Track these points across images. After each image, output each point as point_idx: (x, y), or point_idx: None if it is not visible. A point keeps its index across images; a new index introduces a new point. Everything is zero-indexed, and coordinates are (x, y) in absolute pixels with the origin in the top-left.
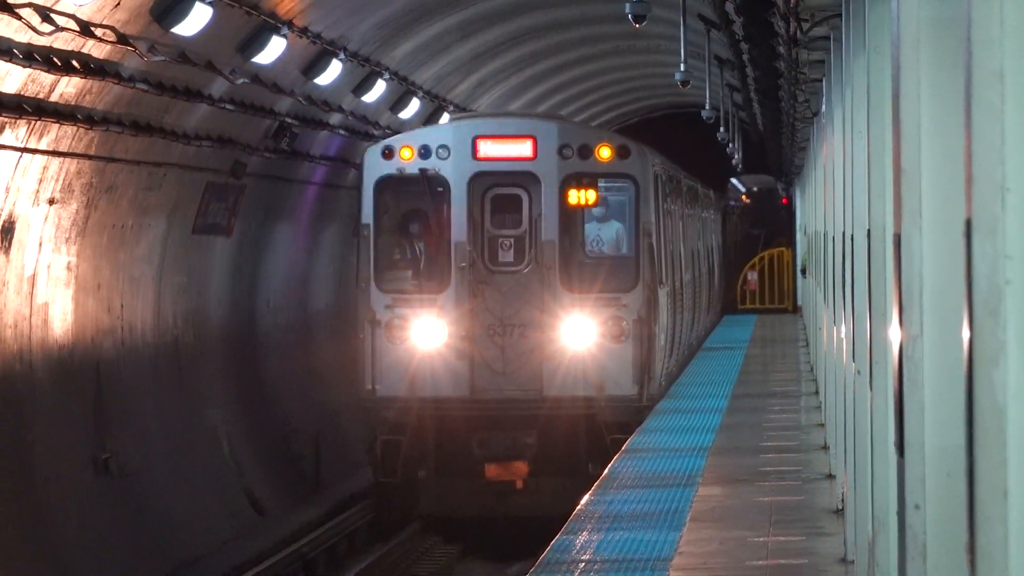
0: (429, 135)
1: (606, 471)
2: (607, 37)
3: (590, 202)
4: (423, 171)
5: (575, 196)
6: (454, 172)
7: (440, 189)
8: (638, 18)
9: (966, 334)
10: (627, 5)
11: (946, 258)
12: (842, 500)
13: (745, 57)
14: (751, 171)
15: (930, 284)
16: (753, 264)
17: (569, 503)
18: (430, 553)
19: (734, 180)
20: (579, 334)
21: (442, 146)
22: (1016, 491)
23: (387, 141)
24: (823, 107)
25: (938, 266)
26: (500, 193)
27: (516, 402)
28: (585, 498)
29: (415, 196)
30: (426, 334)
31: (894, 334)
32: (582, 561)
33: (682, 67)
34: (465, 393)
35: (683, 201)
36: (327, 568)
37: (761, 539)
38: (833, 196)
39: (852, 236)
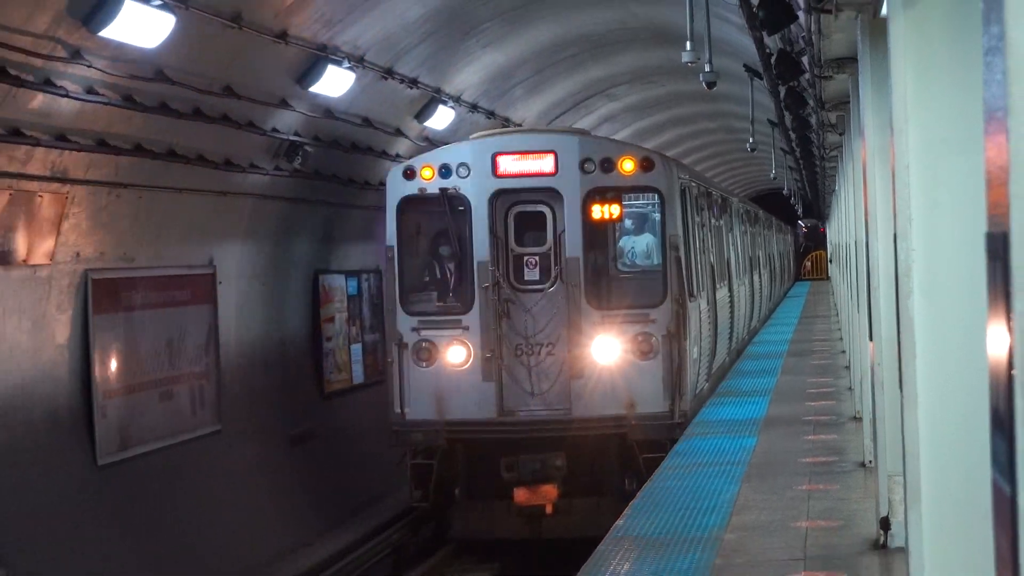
0: (449, 154)
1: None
2: (741, 151)
3: (614, 216)
4: (443, 190)
5: (598, 211)
6: (474, 190)
7: (461, 208)
8: (754, 149)
9: (894, 278)
10: (748, 145)
11: (888, 250)
12: (848, 362)
13: (803, 170)
14: (807, 216)
15: (883, 262)
16: (808, 259)
17: (603, 523)
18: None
19: (799, 221)
20: (607, 352)
21: (462, 164)
22: (921, 351)
23: (408, 161)
24: (837, 187)
25: (885, 254)
26: (523, 210)
27: (544, 423)
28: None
29: (438, 216)
30: (452, 356)
31: (867, 285)
32: (718, 413)
33: (773, 171)
34: (492, 415)
35: (743, 219)
36: None
37: (812, 379)
38: (842, 227)
39: (849, 244)
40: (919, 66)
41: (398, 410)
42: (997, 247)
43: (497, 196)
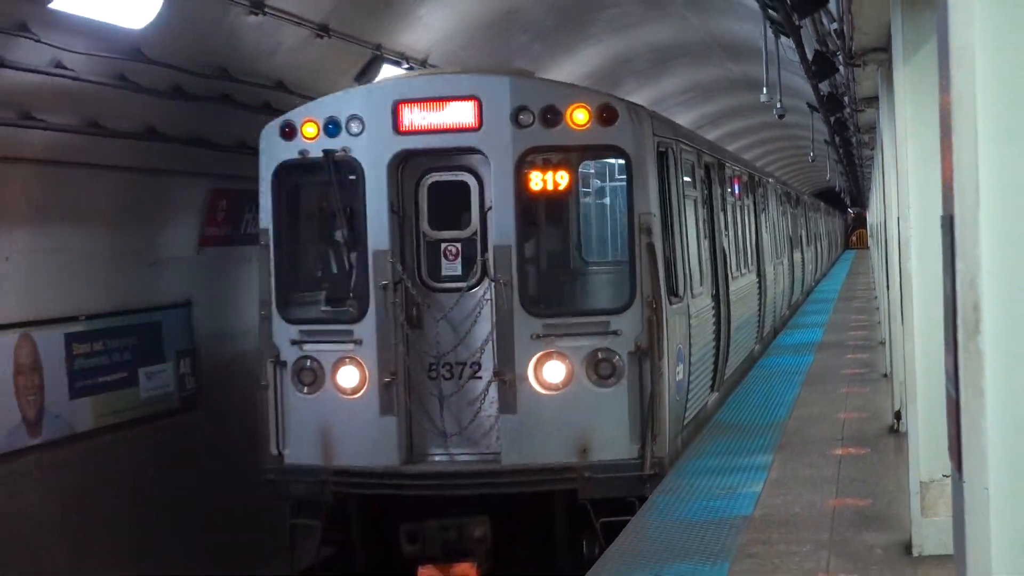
0: (338, 103)
1: None
2: (805, 161)
3: (560, 188)
4: (328, 153)
5: (539, 180)
6: (369, 152)
7: (353, 177)
8: (814, 159)
9: (899, 246)
10: (810, 157)
11: (896, 231)
12: (878, 307)
13: (848, 173)
14: (853, 205)
15: (894, 237)
16: (854, 234)
17: None
18: None
19: (848, 208)
20: (551, 375)
21: (353, 117)
22: (916, 297)
23: (287, 115)
24: (871, 185)
25: (893, 232)
26: (439, 180)
27: (462, 476)
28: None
29: (326, 188)
30: (343, 379)
31: (885, 249)
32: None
33: (828, 175)
34: (392, 462)
35: (782, 200)
36: None
37: (854, 316)
38: (874, 213)
39: (876, 224)
40: (914, 102)
41: (274, 451)
42: (947, 225)
43: (402, 160)
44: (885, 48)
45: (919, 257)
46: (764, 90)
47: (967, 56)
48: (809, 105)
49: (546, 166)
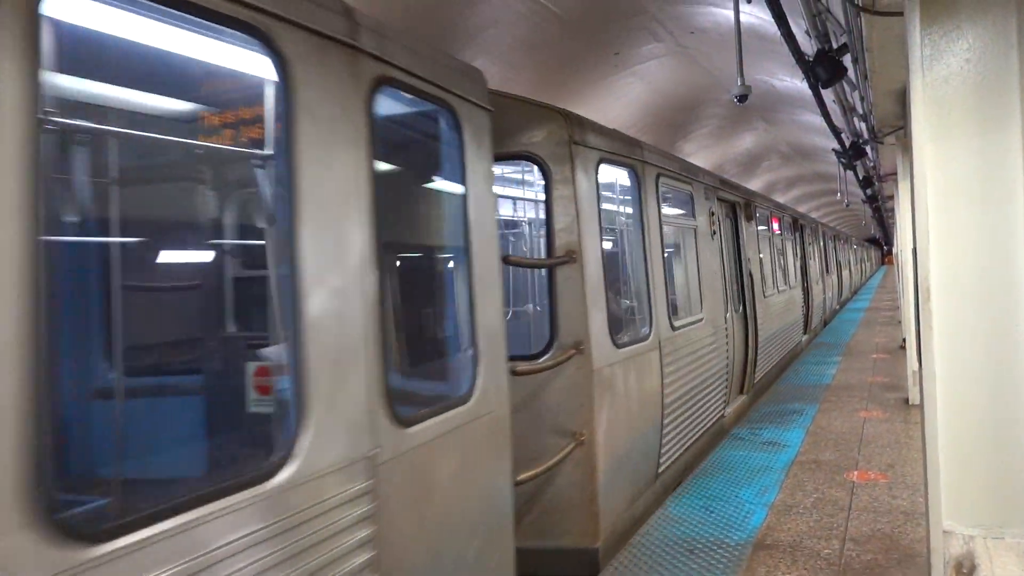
0: None
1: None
2: (858, 221)
3: None
4: None
5: None
6: None
7: None
8: (865, 224)
9: (901, 263)
10: (863, 223)
11: (897, 251)
12: (898, 292)
13: (882, 229)
14: (886, 244)
15: (902, 252)
16: (886, 258)
17: None
18: None
19: (884, 245)
20: None
21: None
22: (911, 286)
23: None
24: (894, 230)
25: (899, 248)
26: None
27: None
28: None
29: None
30: None
31: (904, 265)
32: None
33: (873, 229)
34: None
35: (742, 218)
36: None
37: (886, 295)
38: (895, 247)
39: (895, 252)
40: (908, 199)
41: None
42: (914, 252)
43: None
44: (895, 173)
45: (911, 268)
46: (839, 194)
47: (922, 177)
48: (861, 200)
49: None
